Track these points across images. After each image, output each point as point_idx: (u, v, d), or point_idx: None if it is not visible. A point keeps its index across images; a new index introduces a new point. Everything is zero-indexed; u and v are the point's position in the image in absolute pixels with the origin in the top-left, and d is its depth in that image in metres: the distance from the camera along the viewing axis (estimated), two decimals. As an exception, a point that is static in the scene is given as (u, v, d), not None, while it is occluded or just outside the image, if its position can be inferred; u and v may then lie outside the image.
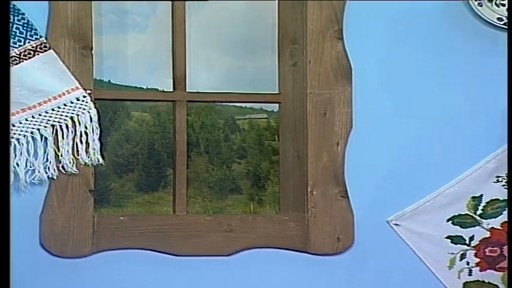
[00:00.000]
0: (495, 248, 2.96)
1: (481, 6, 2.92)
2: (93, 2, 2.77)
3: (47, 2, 2.70)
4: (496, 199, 2.96)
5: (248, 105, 3.14)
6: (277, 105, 3.02)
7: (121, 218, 2.81)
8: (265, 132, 3.13)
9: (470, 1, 2.92)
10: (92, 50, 2.75)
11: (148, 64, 3.00)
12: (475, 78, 2.96)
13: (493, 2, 2.94)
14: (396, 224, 2.92)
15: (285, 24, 2.96)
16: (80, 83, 2.67)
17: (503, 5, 2.95)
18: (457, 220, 2.95)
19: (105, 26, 2.89)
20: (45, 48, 2.64)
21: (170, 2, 2.91)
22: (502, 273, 2.95)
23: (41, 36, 2.64)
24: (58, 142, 2.65)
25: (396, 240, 2.91)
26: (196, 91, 2.96)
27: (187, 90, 2.92)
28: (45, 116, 2.64)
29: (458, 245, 2.95)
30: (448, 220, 2.95)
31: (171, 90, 2.92)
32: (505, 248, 2.94)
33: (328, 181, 2.88)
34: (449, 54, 2.95)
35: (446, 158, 2.94)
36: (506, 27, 2.92)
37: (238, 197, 3.10)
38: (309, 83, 2.88)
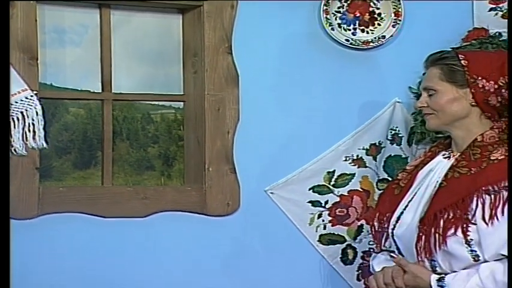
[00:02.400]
0: (343, 209, 3.02)
1: (334, 30, 2.98)
2: (38, 22, 2.73)
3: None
4: (344, 173, 3.01)
5: (160, 103, 3.10)
6: (182, 103, 3.02)
7: (61, 189, 2.79)
8: (173, 124, 3.09)
9: (325, 26, 2.96)
10: (37, 60, 2.73)
11: (82, 71, 2.93)
12: (331, 85, 3.01)
13: (342, 28, 3.00)
14: (271, 193, 2.96)
15: (188, 41, 2.99)
16: (28, 86, 2.65)
17: (349, 29, 3.00)
18: (316, 189, 2.99)
19: (47, 41, 2.85)
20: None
21: (99, 23, 2.89)
22: (347, 227, 3.01)
23: (-4, 49, 2.61)
24: (11, 131, 2.62)
25: (271, 205, 2.95)
26: (119, 92, 2.94)
27: (112, 91, 2.92)
28: (1, 111, 2.61)
29: (316, 207, 2.99)
30: (310, 189, 2.99)
31: (100, 91, 2.92)
32: (350, 208, 3.02)
33: (221, 160, 2.90)
34: (313, 67, 3.00)
35: (309, 143, 2.98)
36: (352, 46, 2.98)
37: (152, 173, 3.05)
38: (206, 86, 2.90)
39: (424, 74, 2.50)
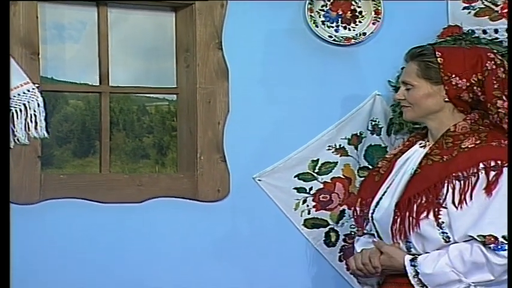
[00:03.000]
0: (326, 195, 3.03)
1: (317, 27, 2.99)
2: (39, 19, 2.73)
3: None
4: (328, 162, 3.02)
5: (154, 95, 3.10)
6: (175, 95, 3.03)
7: (61, 176, 2.80)
8: (167, 115, 3.09)
9: (310, 23, 2.98)
10: (38, 55, 2.74)
11: (81, 65, 2.93)
12: (315, 78, 3.02)
13: (325, 25, 3.01)
14: (259, 180, 2.97)
15: (180, 37, 2.99)
16: (30, 79, 2.59)
17: (332, 27, 3.01)
18: (301, 176, 3.00)
19: (48, 37, 2.85)
20: (4, 54, 2.60)
21: (97, 20, 2.89)
22: (330, 212, 3.03)
23: (0, 45, 2.61)
24: (14, 121, 2.57)
25: (259, 191, 2.96)
26: (116, 85, 2.95)
27: (109, 84, 2.92)
28: (5, 103, 2.60)
29: (301, 194, 3.01)
30: (295, 176, 3.00)
31: (98, 85, 2.92)
32: (333, 194, 3.03)
33: (212, 150, 2.91)
34: (298, 61, 3.00)
35: (295, 133, 3.00)
36: (335, 42, 2.99)
37: (147, 161, 3.05)
38: (198, 80, 2.91)
39: (403, 68, 2.52)
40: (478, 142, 2.34)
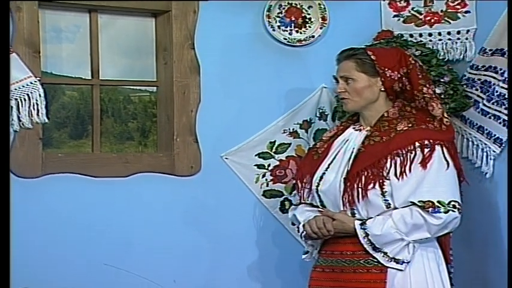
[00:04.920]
0: (282, 171, 3.05)
1: (274, 30, 3.04)
2: (40, 23, 2.73)
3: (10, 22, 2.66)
4: (283, 143, 3.04)
5: (138, 87, 3.11)
6: (155, 88, 3.05)
7: (59, 155, 2.83)
8: (148, 104, 3.11)
9: (268, 28, 3.02)
10: (39, 53, 2.76)
11: (76, 62, 2.94)
12: (273, 74, 3.05)
13: (281, 29, 3.05)
14: (226, 158, 2.98)
15: (160, 38, 3.02)
16: (32, 73, 2.66)
17: (286, 30, 3.05)
18: (261, 155, 3.03)
19: (48, 38, 2.86)
20: (11, 52, 2.61)
21: (89, 24, 2.91)
22: (285, 185, 3.05)
23: (8, 45, 2.61)
24: (19, 109, 2.63)
25: (226, 168, 2.98)
26: (106, 79, 2.97)
27: (100, 78, 2.94)
28: (12, 93, 2.61)
29: (261, 169, 3.04)
30: (256, 155, 3.02)
31: (90, 78, 2.94)
32: (287, 170, 3.05)
33: (186, 133, 2.94)
34: (258, 59, 3.01)
35: (256, 119, 3.03)
36: (289, 44, 3.02)
37: (132, 143, 3.06)
38: (174, 74, 2.93)
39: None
40: (410, 125, 2.42)
